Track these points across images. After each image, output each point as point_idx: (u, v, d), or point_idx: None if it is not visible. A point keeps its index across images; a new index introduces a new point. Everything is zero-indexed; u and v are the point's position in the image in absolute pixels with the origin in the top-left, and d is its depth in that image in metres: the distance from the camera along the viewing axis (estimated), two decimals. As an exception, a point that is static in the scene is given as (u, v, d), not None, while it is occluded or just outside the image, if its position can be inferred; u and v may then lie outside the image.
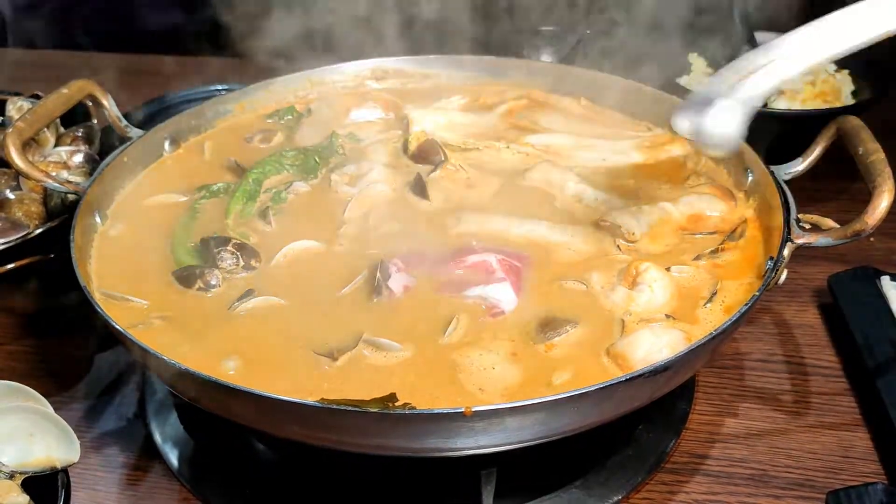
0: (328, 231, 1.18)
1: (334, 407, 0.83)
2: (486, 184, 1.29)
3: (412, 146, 1.36)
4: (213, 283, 1.09)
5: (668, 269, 1.07)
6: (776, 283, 1.01)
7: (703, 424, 1.15)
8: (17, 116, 1.54)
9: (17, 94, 1.65)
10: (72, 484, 0.96)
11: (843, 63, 1.73)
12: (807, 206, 1.09)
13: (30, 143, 1.44)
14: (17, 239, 1.30)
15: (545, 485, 1.05)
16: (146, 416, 1.18)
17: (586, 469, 1.07)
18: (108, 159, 1.26)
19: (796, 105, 1.65)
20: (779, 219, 1.06)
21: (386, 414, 0.85)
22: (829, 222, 1.04)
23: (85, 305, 0.98)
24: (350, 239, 1.17)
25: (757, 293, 0.96)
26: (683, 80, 1.77)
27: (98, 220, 1.21)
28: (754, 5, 1.77)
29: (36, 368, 1.28)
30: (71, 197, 1.31)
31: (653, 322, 1.01)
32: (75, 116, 1.55)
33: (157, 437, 1.15)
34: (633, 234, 1.14)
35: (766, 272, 1.02)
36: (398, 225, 1.20)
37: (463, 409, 0.81)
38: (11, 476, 0.95)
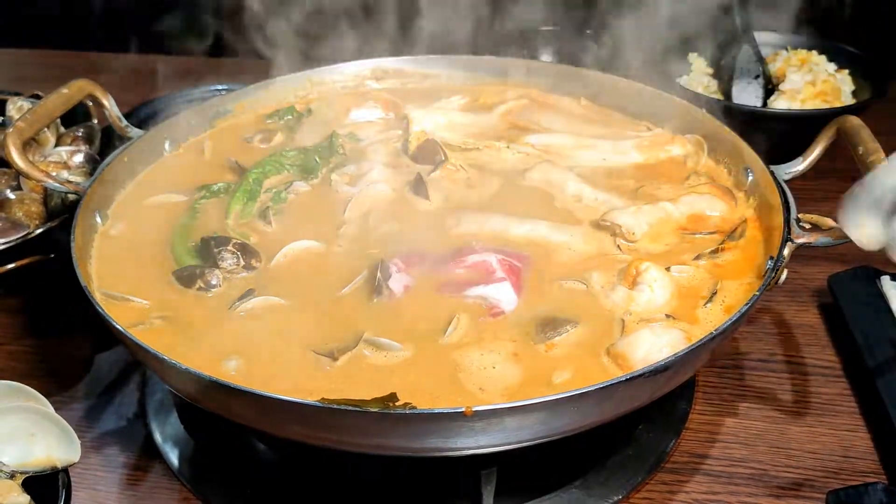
0: (328, 231, 1.19)
1: (335, 407, 0.83)
2: (486, 184, 1.29)
3: (412, 146, 1.37)
4: (213, 282, 1.09)
5: (668, 269, 1.07)
6: (776, 283, 1.01)
7: (703, 424, 1.15)
8: (17, 116, 1.55)
9: (17, 94, 1.65)
10: (72, 484, 0.96)
11: (843, 63, 1.74)
12: (807, 206, 1.09)
13: (30, 143, 1.44)
14: (17, 239, 1.30)
15: (545, 485, 1.05)
16: (146, 415, 1.18)
17: (586, 469, 1.07)
18: (108, 159, 1.26)
19: (796, 105, 1.65)
20: (779, 218, 1.06)
21: (386, 414, 0.85)
22: (830, 222, 1.04)
23: (85, 305, 0.98)
24: (350, 239, 1.17)
25: (757, 293, 0.96)
26: (683, 80, 1.77)
27: (98, 220, 1.21)
28: (754, 5, 1.77)
29: (36, 368, 1.29)
30: (71, 197, 1.31)
31: (653, 322, 1.01)
32: (75, 116, 1.55)
33: (158, 437, 1.15)
34: (633, 233, 1.14)
35: (766, 272, 1.02)
36: (398, 225, 1.20)
37: (463, 409, 0.81)
38: (12, 476, 0.95)
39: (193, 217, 1.23)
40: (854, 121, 1.11)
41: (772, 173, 1.14)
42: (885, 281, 1.27)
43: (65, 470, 0.96)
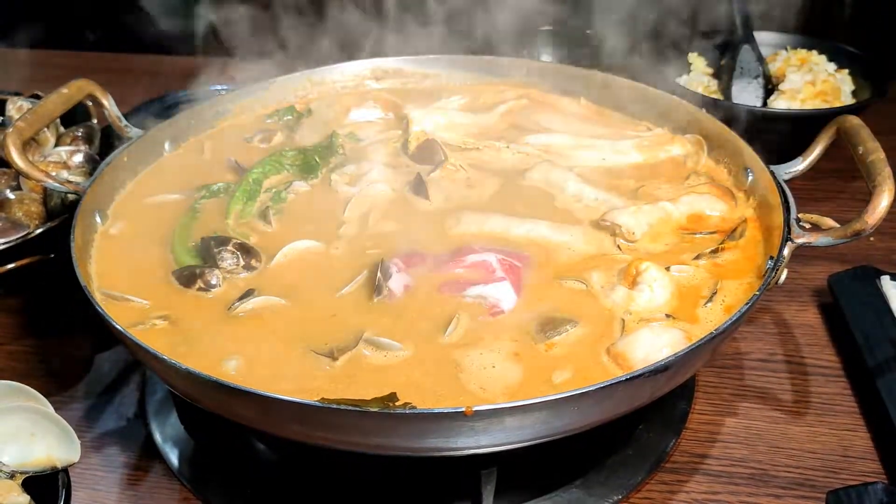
0: (328, 231, 1.19)
1: (335, 406, 0.83)
2: (485, 183, 1.29)
3: (412, 146, 1.37)
4: (213, 282, 1.09)
5: (668, 269, 1.07)
6: (776, 283, 1.01)
7: (703, 424, 1.15)
8: (17, 116, 1.55)
9: (17, 94, 1.65)
10: (72, 484, 0.96)
11: (842, 63, 1.74)
12: (807, 206, 1.09)
13: (30, 143, 1.44)
14: (17, 239, 1.30)
15: (545, 484, 1.05)
16: (146, 415, 1.18)
17: (586, 469, 1.07)
18: (108, 159, 1.26)
19: (796, 105, 1.65)
20: (779, 218, 1.06)
21: (386, 413, 0.85)
22: (829, 222, 1.04)
23: (85, 305, 0.98)
24: (350, 239, 1.17)
25: (757, 293, 0.96)
26: (683, 80, 1.77)
27: (98, 219, 1.21)
28: (754, 5, 1.77)
29: (36, 368, 1.29)
30: (71, 197, 1.31)
31: (653, 321, 1.01)
32: (75, 116, 1.55)
33: (158, 437, 1.15)
34: (633, 233, 1.14)
35: (766, 272, 1.02)
36: (398, 225, 1.20)
37: (464, 409, 0.81)
38: (12, 476, 0.95)
39: (193, 217, 1.23)
40: (854, 120, 1.11)
41: (772, 173, 1.14)
42: (885, 281, 1.27)
43: (65, 470, 0.96)
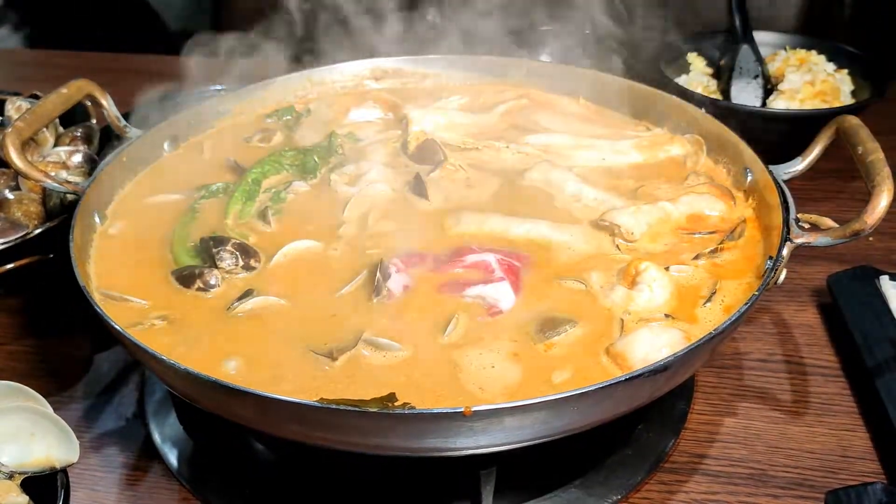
0: (328, 231, 1.19)
1: (334, 407, 0.83)
2: (485, 183, 1.29)
3: (411, 146, 1.37)
4: (212, 283, 1.09)
5: (667, 269, 1.07)
6: (775, 283, 1.01)
7: (702, 424, 1.15)
8: (16, 116, 1.54)
9: (16, 93, 1.65)
10: (71, 484, 0.95)
11: (842, 63, 1.74)
12: (806, 206, 1.09)
13: (29, 143, 1.44)
14: (16, 239, 1.30)
15: (545, 484, 1.05)
16: (145, 416, 1.18)
17: (586, 469, 1.07)
18: (107, 159, 1.26)
19: (795, 105, 1.65)
20: (778, 218, 1.06)
21: (385, 413, 0.85)
22: (829, 222, 1.04)
23: (84, 305, 0.98)
24: (349, 239, 1.17)
25: (756, 293, 0.96)
26: (683, 80, 1.77)
27: (97, 220, 1.21)
28: (753, 5, 1.77)
29: (36, 368, 1.28)
30: (70, 197, 1.31)
31: (652, 321, 1.01)
32: (74, 116, 1.55)
33: (157, 437, 1.15)
34: (633, 233, 1.14)
35: (765, 272, 1.02)
36: (398, 225, 1.20)
37: (463, 409, 0.81)
38: (11, 476, 0.95)
39: (192, 217, 1.23)
40: (853, 121, 1.11)
41: (771, 173, 1.14)
42: (885, 281, 1.27)
43: (63, 470, 0.96)
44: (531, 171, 1.29)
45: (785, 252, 1.01)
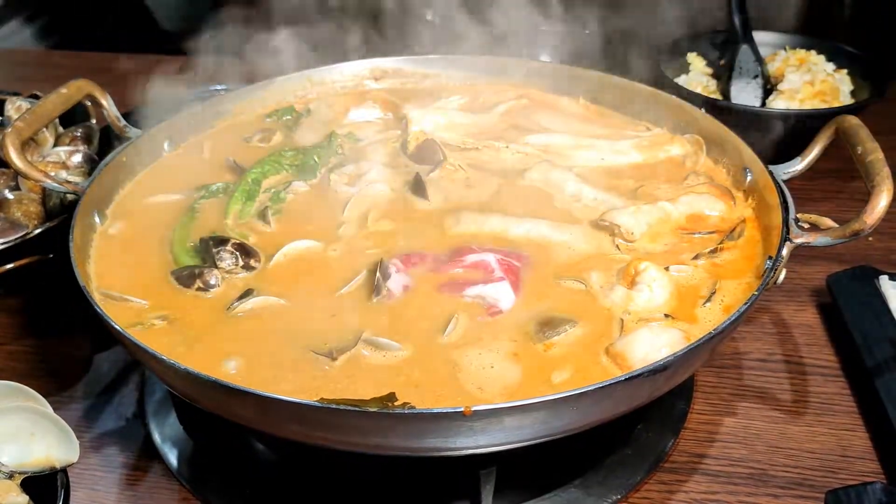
0: (327, 231, 1.19)
1: (333, 406, 0.83)
2: (485, 183, 1.29)
3: (411, 146, 1.37)
4: (212, 282, 1.09)
5: (667, 269, 1.07)
6: (775, 283, 1.01)
7: (701, 424, 1.15)
8: (16, 116, 1.55)
9: (16, 93, 1.65)
10: (71, 484, 0.95)
11: (841, 63, 1.74)
12: (805, 206, 1.09)
13: (29, 143, 1.44)
14: (16, 239, 1.30)
15: (544, 484, 1.05)
16: (145, 415, 1.18)
17: (585, 468, 1.07)
18: (107, 159, 1.26)
19: (795, 105, 1.65)
20: (777, 218, 1.07)
21: (385, 413, 0.85)
22: (828, 222, 1.04)
23: (84, 305, 0.98)
24: (349, 239, 1.17)
25: (756, 292, 0.96)
26: (682, 80, 1.77)
27: (97, 220, 1.21)
28: (753, 5, 1.77)
29: (36, 368, 1.28)
30: (70, 197, 1.31)
31: (652, 321, 1.01)
32: (74, 116, 1.55)
33: (157, 437, 1.15)
34: (632, 233, 1.14)
35: (764, 272, 1.02)
36: (397, 225, 1.20)
37: (462, 409, 0.81)
38: (11, 476, 0.95)
39: (192, 217, 1.23)
40: (853, 121, 1.11)
41: (770, 173, 1.14)
42: (884, 280, 1.27)
43: (63, 470, 0.96)
44: (531, 171, 1.29)
45: (784, 252, 1.01)
